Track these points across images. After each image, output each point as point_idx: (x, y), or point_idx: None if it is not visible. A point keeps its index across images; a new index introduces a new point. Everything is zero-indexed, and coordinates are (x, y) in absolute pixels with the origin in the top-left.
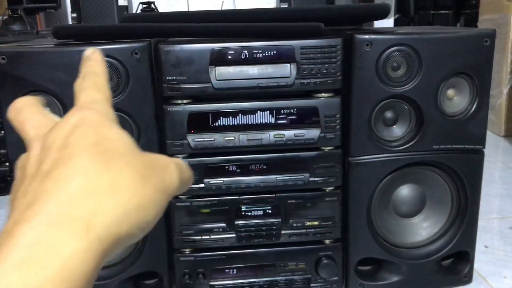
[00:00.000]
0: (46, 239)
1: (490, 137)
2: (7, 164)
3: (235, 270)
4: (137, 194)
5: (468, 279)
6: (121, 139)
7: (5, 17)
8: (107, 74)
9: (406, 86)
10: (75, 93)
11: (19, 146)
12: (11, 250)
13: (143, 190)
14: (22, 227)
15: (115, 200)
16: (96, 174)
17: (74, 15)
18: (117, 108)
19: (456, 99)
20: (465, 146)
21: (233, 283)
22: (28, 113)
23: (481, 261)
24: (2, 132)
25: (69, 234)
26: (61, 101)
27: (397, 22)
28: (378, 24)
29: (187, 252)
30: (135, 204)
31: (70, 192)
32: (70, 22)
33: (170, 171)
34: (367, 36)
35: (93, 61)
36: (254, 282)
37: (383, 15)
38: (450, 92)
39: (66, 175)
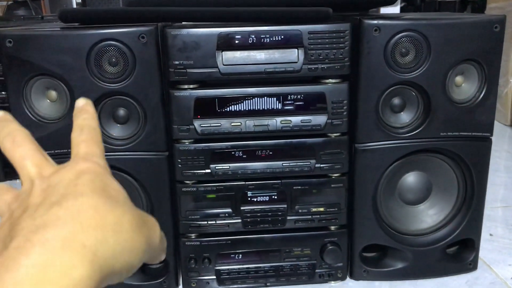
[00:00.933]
0: (60, 262)
1: (495, 126)
2: None
3: (240, 255)
4: (133, 239)
5: (473, 266)
6: (122, 191)
7: (10, 2)
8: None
9: (414, 72)
10: (73, 144)
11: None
12: (27, 268)
13: (137, 237)
14: (37, 247)
15: (116, 238)
16: (104, 211)
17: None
18: (123, 92)
19: (465, 86)
20: (473, 133)
21: (238, 268)
22: (29, 149)
23: (485, 249)
24: None
25: (79, 260)
26: (67, 84)
27: (403, 11)
28: (384, 12)
29: (193, 237)
30: (129, 246)
31: (82, 223)
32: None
33: (156, 232)
34: (375, 21)
35: (88, 115)
36: (259, 267)
37: (391, 0)
38: (459, 79)
39: (79, 208)
